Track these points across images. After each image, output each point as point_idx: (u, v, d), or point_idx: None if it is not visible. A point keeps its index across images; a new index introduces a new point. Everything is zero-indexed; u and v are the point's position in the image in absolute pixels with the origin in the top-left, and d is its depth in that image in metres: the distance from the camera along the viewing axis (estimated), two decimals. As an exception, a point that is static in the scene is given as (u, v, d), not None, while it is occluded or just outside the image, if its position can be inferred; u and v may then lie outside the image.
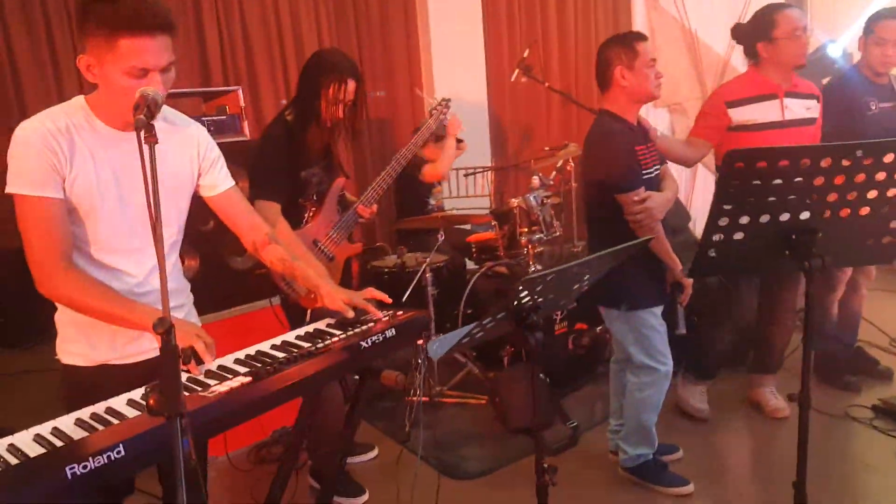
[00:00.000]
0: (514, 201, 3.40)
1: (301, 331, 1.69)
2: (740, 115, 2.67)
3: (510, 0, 5.12)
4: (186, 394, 1.31)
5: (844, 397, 3.08)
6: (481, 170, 4.30)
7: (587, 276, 1.83)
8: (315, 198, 2.46)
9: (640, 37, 2.37)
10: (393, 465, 2.63)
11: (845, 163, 1.48)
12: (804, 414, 1.67)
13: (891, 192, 1.52)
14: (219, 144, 2.75)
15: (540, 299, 1.67)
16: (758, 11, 2.74)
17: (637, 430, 2.50)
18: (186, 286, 1.78)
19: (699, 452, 2.74)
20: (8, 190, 1.41)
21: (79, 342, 1.56)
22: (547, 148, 4.25)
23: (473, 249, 3.72)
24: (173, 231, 1.66)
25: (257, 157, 2.43)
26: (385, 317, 1.74)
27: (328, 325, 1.72)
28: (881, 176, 1.50)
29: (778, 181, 1.50)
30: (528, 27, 5.23)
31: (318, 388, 1.72)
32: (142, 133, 1.15)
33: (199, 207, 2.47)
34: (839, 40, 4.65)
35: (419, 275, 3.05)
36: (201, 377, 1.39)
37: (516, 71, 3.99)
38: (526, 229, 3.34)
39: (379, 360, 1.67)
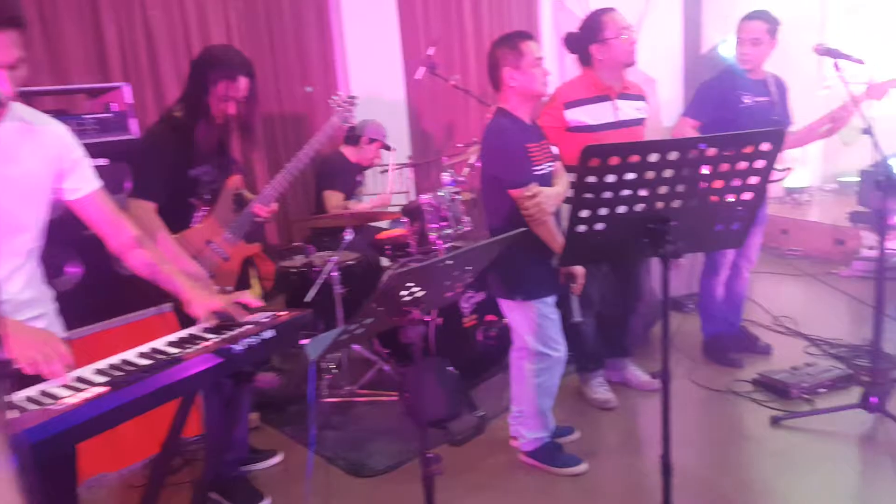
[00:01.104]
0: (424, 198, 3.45)
1: (173, 336, 1.66)
2: (575, 115, 2.80)
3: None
4: (35, 407, 1.28)
5: (728, 373, 3.28)
6: (398, 167, 4.31)
7: (468, 267, 1.87)
8: (208, 197, 2.43)
9: (525, 36, 2.44)
10: (297, 469, 2.62)
11: (691, 155, 1.56)
12: (665, 389, 1.77)
13: (735, 182, 1.62)
14: (103, 143, 2.71)
15: (421, 293, 1.70)
16: (586, 17, 2.90)
17: (534, 415, 2.59)
18: (47, 294, 1.71)
19: (595, 432, 2.86)
20: None
21: None
22: (460, 145, 4.30)
23: (387, 247, 3.74)
24: (30, 237, 1.58)
25: (138, 154, 2.39)
26: (266, 318, 1.73)
27: (204, 330, 1.70)
28: (725, 167, 1.59)
29: (631, 175, 1.58)
30: (444, 24, 5.27)
31: (186, 395, 1.70)
32: None
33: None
34: (730, 39, 4.89)
35: (323, 274, 3.04)
36: (55, 389, 1.35)
37: (422, 69, 4.00)
38: (436, 225, 3.38)
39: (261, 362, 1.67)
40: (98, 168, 2.67)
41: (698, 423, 2.96)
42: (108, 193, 1.73)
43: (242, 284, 2.54)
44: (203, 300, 1.67)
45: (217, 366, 1.54)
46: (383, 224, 4.14)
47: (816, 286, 4.51)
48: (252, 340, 1.61)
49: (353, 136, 3.99)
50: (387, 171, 4.37)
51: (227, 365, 1.57)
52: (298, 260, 3.45)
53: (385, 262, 3.87)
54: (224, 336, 1.62)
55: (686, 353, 3.51)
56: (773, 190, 4.15)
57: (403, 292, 1.64)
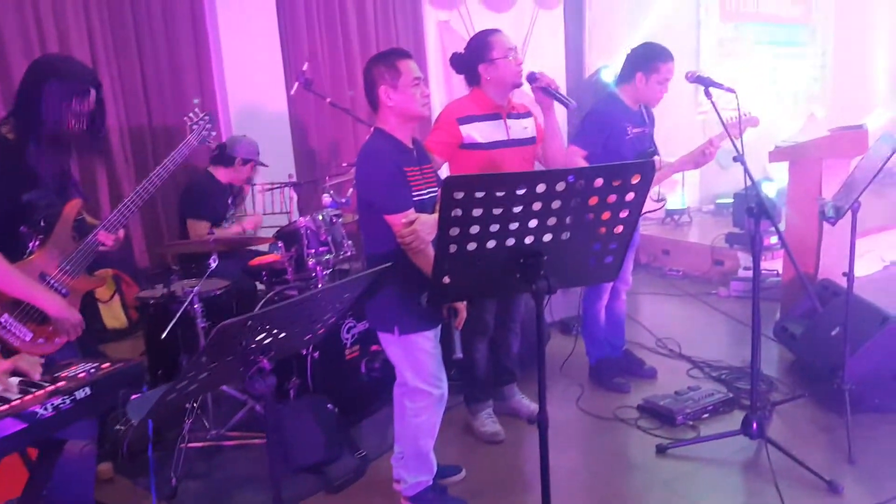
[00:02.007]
0: (302, 220, 3.23)
1: (-39, 398, 1.37)
2: (470, 131, 2.72)
3: (308, 12, 4.94)
4: None
5: (614, 399, 3.24)
6: (279, 185, 4.04)
7: (329, 307, 1.69)
8: (42, 224, 2.12)
9: (403, 55, 2.31)
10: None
11: (559, 188, 1.46)
12: (543, 434, 1.65)
13: (605, 215, 1.54)
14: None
15: (267, 340, 1.50)
16: (472, 38, 2.88)
17: (415, 456, 2.42)
18: None
19: (483, 469, 2.72)
20: None
21: None
22: (345, 164, 4.11)
23: (263, 273, 3.48)
24: None
25: None
26: (84, 371, 1.47)
27: (3, 390, 1.42)
28: (594, 200, 1.51)
29: (498, 208, 1.46)
30: (329, 41, 5.09)
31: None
32: None
33: None
34: (612, 65, 5.02)
35: (182, 307, 2.74)
36: None
37: (295, 84, 3.78)
38: (313, 250, 3.17)
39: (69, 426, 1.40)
40: None
41: (586, 453, 2.89)
42: None
43: (87, 321, 2.23)
44: None
45: (16, 433, 1.28)
46: (263, 248, 3.87)
47: (698, 306, 4.64)
48: (61, 401, 1.36)
49: (225, 157, 3.69)
50: (268, 189, 4.12)
51: (30, 432, 1.31)
52: (158, 290, 3.12)
53: (261, 289, 3.60)
54: (22, 397, 1.35)
55: (574, 378, 3.47)
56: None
57: (246, 340, 1.43)
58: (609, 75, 4.99)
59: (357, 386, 3.14)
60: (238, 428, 2.94)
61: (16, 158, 2.05)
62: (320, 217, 3.21)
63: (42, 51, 4.06)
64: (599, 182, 1.48)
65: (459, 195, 1.41)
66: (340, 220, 3.32)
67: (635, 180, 1.51)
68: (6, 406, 1.32)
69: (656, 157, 3.10)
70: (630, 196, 1.54)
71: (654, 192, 2.95)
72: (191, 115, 2.56)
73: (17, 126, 2.08)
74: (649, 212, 2.89)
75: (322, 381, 2.97)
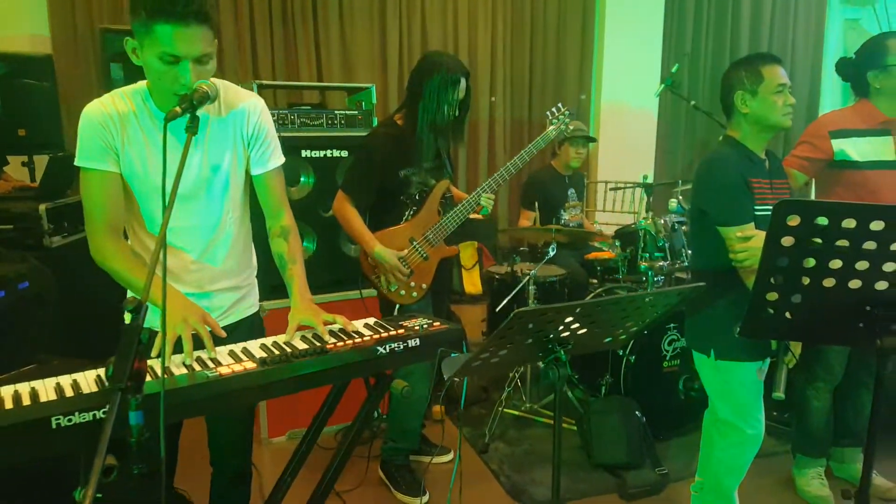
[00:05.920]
0: (643, 223, 3.21)
1: (336, 326, 1.75)
2: (844, 146, 2.33)
3: (698, 13, 4.77)
4: (185, 371, 1.42)
5: None
6: (627, 186, 4.04)
7: (628, 316, 1.66)
8: (417, 197, 2.54)
9: (769, 59, 2.10)
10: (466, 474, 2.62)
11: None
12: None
13: None
14: (346, 137, 2.98)
15: (565, 333, 1.57)
16: (867, 42, 2.42)
17: (714, 492, 2.24)
18: (246, 268, 1.83)
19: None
20: (76, 162, 1.55)
21: None
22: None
23: (598, 268, 3.56)
24: (223, 208, 1.69)
25: (354, 153, 2.68)
26: (420, 325, 1.75)
27: (364, 325, 1.77)
28: None
29: (843, 242, 1.26)
30: (715, 40, 4.84)
31: (334, 384, 1.78)
32: (167, 125, 1.30)
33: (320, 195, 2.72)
34: None
35: (518, 287, 2.99)
36: (209, 359, 1.48)
37: (660, 86, 3.62)
38: (648, 254, 3.13)
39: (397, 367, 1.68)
40: (336, 159, 3.02)
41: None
42: (281, 177, 1.79)
43: (438, 284, 2.62)
44: (299, 314, 1.67)
45: (357, 364, 1.60)
46: (603, 245, 3.95)
47: None
48: (396, 345, 1.64)
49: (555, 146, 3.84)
50: (618, 188, 4.16)
51: (368, 365, 1.62)
52: (504, 267, 3.45)
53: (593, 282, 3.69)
54: (370, 336, 1.67)
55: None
56: None
57: (544, 330, 1.52)
58: None
59: (671, 401, 3.03)
60: (549, 407, 3.12)
61: (402, 141, 2.45)
62: (662, 221, 3.14)
63: (456, 49, 4.79)
64: None
65: (794, 221, 1.26)
66: (684, 227, 3.19)
67: None
68: (359, 340, 1.66)
69: None
70: None
71: None
72: (553, 109, 2.74)
73: (406, 114, 2.48)
74: None
75: (635, 385, 2.94)
